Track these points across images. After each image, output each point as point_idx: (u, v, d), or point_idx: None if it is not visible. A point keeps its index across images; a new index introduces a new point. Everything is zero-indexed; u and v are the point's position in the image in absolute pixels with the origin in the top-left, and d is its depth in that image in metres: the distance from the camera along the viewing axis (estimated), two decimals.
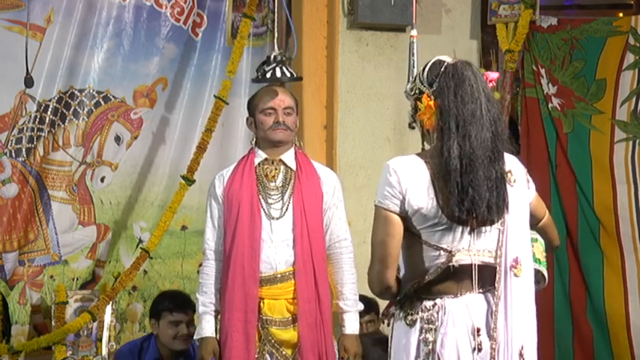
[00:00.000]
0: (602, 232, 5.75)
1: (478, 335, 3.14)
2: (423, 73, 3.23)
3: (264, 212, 4.48)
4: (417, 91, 3.25)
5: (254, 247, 4.42)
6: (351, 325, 4.56)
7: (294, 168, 4.53)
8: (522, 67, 5.99)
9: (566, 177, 5.84)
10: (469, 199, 3.09)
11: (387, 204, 3.19)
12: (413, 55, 4.06)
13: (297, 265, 4.43)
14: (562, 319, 5.83)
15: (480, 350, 3.14)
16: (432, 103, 3.18)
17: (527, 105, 5.98)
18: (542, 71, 5.90)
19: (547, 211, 3.46)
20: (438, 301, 3.19)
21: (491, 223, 3.15)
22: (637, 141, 5.67)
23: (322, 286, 4.48)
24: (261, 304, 4.45)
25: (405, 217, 3.19)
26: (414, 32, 4.36)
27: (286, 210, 4.48)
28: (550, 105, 5.88)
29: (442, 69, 3.19)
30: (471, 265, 3.17)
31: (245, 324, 4.42)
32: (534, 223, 3.39)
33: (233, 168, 4.61)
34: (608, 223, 5.72)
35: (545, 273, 3.41)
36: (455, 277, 3.19)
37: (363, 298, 4.65)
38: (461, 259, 3.16)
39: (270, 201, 4.49)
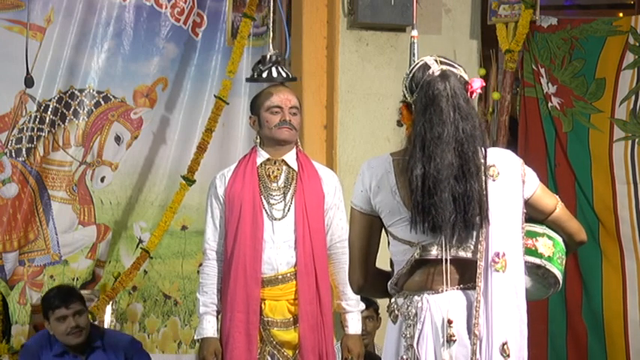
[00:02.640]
0: (602, 231, 5.74)
1: (450, 327, 3.14)
2: (409, 76, 3.21)
3: (266, 213, 4.46)
4: (402, 93, 3.25)
5: (256, 248, 4.41)
6: (354, 325, 4.56)
7: (296, 168, 4.52)
8: (522, 66, 5.99)
9: (565, 176, 5.84)
10: (430, 219, 3.08)
11: (357, 203, 3.25)
12: (414, 56, 4.07)
13: (299, 266, 4.42)
14: (556, 319, 5.82)
15: (452, 342, 3.13)
16: (407, 114, 3.20)
17: (526, 104, 5.97)
18: (542, 71, 5.90)
19: (559, 205, 3.37)
20: (416, 297, 3.19)
21: (462, 240, 3.13)
22: (636, 140, 5.67)
23: (323, 287, 4.48)
24: (263, 305, 4.44)
25: (377, 215, 3.23)
26: (414, 32, 4.37)
27: (288, 211, 4.47)
28: (550, 104, 5.88)
29: (422, 81, 3.16)
30: (441, 259, 3.15)
31: (247, 325, 4.41)
32: (541, 217, 3.33)
33: (234, 168, 4.59)
34: (608, 222, 5.72)
35: (553, 269, 3.32)
36: (427, 271, 3.18)
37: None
38: (428, 253, 3.16)
39: (272, 201, 4.48)
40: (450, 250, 3.15)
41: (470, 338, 3.12)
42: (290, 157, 4.53)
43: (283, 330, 4.44)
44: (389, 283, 3.26)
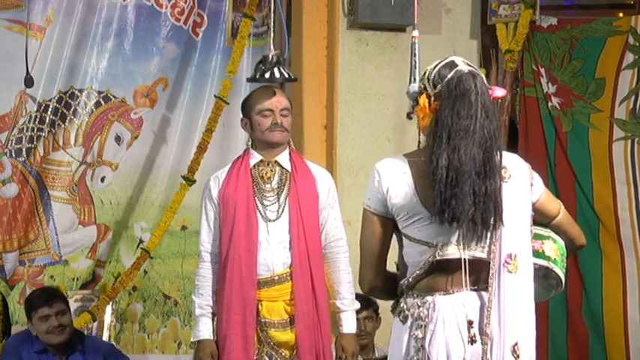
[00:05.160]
0: (602, 231, 5.75)
1: (471, 328, 3.15)
2: (433, 71, 3.23)
3: (260, 214, 4.45)
4: (422, 86, 3.25)
5: (251, 250, 4.40)
6: (348, 324, 4.54)
7: (289, 169, 4.51)
8: (522, 66, 5.99)
9: (565, 176, 5.85)
10: (450, 210, 3.10)
11: (371, 205, 3.26)
12: (415, 56, 4.06)
13: (294, 266, 4.41)
14: (556, 319, 5.82)
15: (473, 342, 3.14)
16: (427, 105, 3.20)
17: (527, 104, 5.98)
18: (542, 70, 5.90)
19: (562, 209, 3.43)
20: (428, 297, 3.20)
21: (478, 238, 3.16)
22: (636, 139, 5.67)
23: (319, 287, 4.46)
24: (260, 306, 4.43)
25: (392, 217, 3.23)
26: (415, 33, 4.35)
27: (282, 212, 4.46)
28: (550, 104, 5.89)
29: (449, 75, 3.19)
30: (460, 259, 3.17)
31: (243, 326, 4.40)
32: (546, 221, 3.38)
33: (228, 169, 4.59)
34: (608, 221, 5.72)
35: (559, 271, 3.36)
36: (443, 272, 3.19)
37: (361, 296, 4.65)
38: (447, 253, 3.17)
39: (266, 203, 4.47)
40: (467, 251, 3.17)
41: (481, 339, 3.14)
42: (283, 157, 4.52)
43: (280, 331, 4.43)
44: (401, 283, 3.26)
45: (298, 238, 4.41)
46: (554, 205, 3.42)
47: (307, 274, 4.42)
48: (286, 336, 4.42)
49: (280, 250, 4.43)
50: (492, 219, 3.14)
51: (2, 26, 5.92)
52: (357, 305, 4.59)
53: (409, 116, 3.33)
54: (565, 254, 3.41)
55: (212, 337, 4.49)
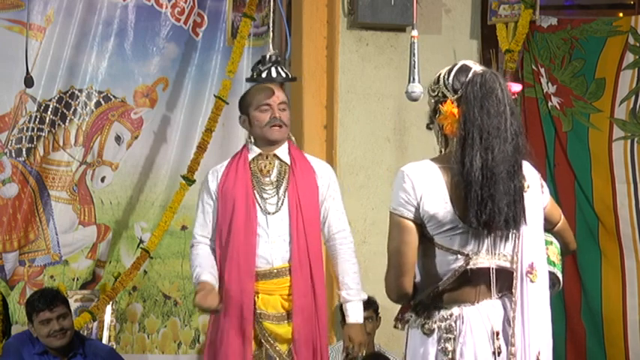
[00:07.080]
0: (602, 231, 5.75)
1: (497, 339, 3.14)
2: (448, 78, 3.19)
3: (260, 207, 4.44)
4: (440, 95, 3.21)
5: (249, 242, 4.39)
6: (355, 314, 4.51)
7: (288, 162, 4.51)
8: (522, 66, 5.99)
9: (565, 176, 5.85)
10: (487, 211, 3.06)
11: (402, 211, 3.17)
12: (414, 56, 4.05)
13: (293, 260, 4.40)
14: (555, 319, 5.80)
15: (499, 354, 3.12)
16: (455, 110, 3.15)
17: (526, 104, 5.98)
18: (542, 70, 5.91)
19: (562, 215, 3.44)
20: (455, 309, 3.16)
21: (507, 239, 3.15)
22: (635, 139, 5.68)
23: (318, 280, 4.45)
24: (256, 298, 4.42)
25: (420, 223, 3.17)
26: (414, 32, 4.34)
27: (282, 204, 4.45)
28: (549, 104, 5.89)
29: (469, 77, 3.15)
30: (489, 268, 3.14)
31: (241, 320, 4.39)
32: (549, 227, 3.37)
33: (227, 164, 4.59)
34: (608, 221, 5.73)
35: (560, 276, 3.38)
36: (472, 282, 3.16)
37: None
38: (478, 262, 3.14)
39: (265, 196, 4.46)
40: (494, 259, 3.15)
41: (507, 349, 3.13)
42: (282, 151, 4.52)
43: (275, 324, 4.40)
44: (426, 292, 3.20)
45: (297, 230, 4.40)
46: (558, 212, 3.42)
47: (306, 267, 4.41)
48: (281, 329, 4.40)
49: (280, 244, 4.42)
50: (520, 218, 3.11)
51: (2, 26, 5.93)
52: (364, 296, 4.56)
53: (428, 127, 3.29)
54: (561, 255, 3.43)
55: (214, 283, 4.39)
